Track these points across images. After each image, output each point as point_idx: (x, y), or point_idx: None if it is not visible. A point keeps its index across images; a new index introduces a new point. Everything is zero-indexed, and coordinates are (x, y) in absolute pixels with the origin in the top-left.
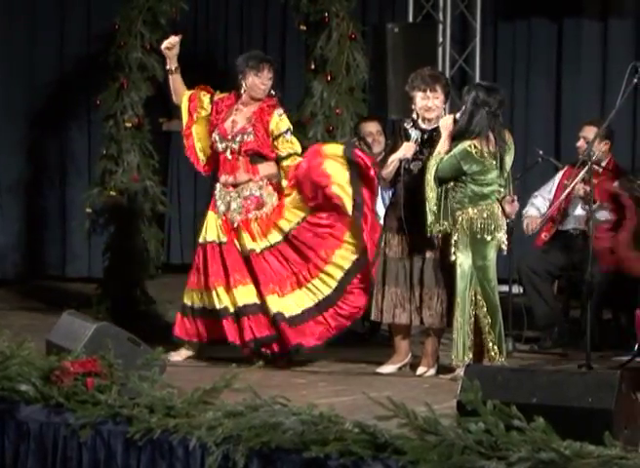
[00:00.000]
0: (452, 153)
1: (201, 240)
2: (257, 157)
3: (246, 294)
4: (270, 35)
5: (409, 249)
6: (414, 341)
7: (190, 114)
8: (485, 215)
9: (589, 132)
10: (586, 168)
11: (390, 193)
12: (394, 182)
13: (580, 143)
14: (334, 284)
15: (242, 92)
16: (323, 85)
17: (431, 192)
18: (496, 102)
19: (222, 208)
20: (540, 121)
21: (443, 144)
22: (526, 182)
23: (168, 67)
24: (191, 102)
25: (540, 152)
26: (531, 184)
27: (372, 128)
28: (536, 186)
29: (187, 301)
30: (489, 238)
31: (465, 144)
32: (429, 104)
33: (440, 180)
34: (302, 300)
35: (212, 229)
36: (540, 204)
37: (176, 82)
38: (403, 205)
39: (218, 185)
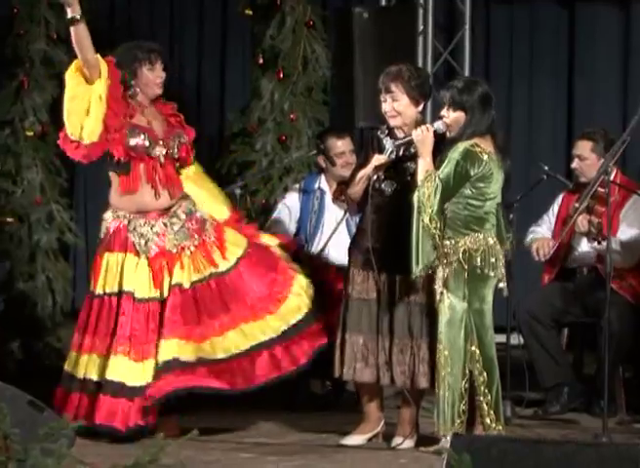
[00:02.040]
0: (449, 159)
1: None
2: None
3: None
4: (207, 21)
5: (377, 288)
6: (388, 405)
7: (116, 82)
8: (488, 244)
9: (584, 148)
10: (585, 197)
11: (357, 219)
12: (363, 205)
13: (576, 164)
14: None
15: (131, 92)
16: (274, 84)
17: (433, 226)
18: (493, 96)
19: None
20: (547, 130)
21: (424, 165)
22: (528, 206)
23: (70, 15)
24: (113, 73)
25: (546, 168)
26: (534, 208)
27: (344, 146)
28: (540, 211)
29: None
30: (492, 273)
31: (465, 145)
32: (386, 108)
33: (443, 202)
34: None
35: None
36: (543, 232)
37: (80, 34)
38: (371, 233)
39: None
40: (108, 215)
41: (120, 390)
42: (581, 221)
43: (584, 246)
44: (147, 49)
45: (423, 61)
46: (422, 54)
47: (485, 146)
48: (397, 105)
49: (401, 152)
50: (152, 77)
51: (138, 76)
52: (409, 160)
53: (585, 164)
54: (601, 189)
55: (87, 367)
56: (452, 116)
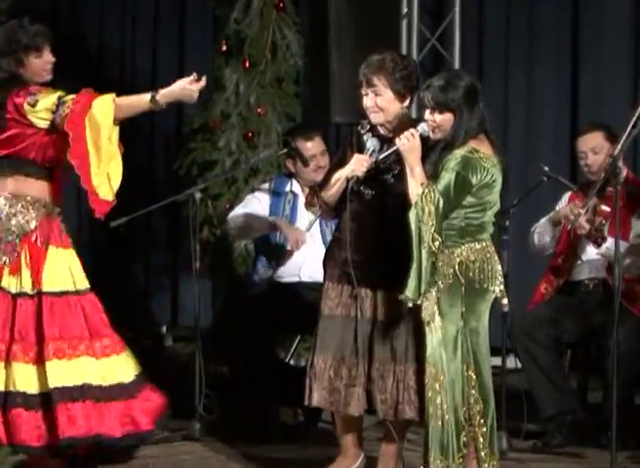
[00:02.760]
0: (446, 169)
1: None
2: None
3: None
4: (164, 3)
5: (355, 305)
6: (368, 437)
7: None
8: (485, 256)
9: (595, 139)
10: (591, 195)
11: (333, 225)
12: (339, 210)
13: (590, 160)
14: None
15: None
16: (239, 74)
17: (437, 246)
18: (480, 89)
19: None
20: (547, 127)
21: (416, 177)
22: (526, 211)
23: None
24: None
25: (546, 169)
26: (532, 214)
27: (314, 148)
28: (539, 216)
29: None
30: (491, 287)
31: (463, 151)
32: (368, 104)
33: (445, 218)
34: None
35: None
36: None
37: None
38: (349, 243)
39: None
40: None
41: None
42: (582, 221)
43: (591, 253)
44: (33, 33)
45: (408, 48)
46: (407, 39)
47: (484, 150)
48: (380, 101)
49: (386, 146)
50: (41, 64)
51: (24, 65)
52: (392, 160)
53: (600, 157)
54: (610, 188)
55: None
56: (438, 119)
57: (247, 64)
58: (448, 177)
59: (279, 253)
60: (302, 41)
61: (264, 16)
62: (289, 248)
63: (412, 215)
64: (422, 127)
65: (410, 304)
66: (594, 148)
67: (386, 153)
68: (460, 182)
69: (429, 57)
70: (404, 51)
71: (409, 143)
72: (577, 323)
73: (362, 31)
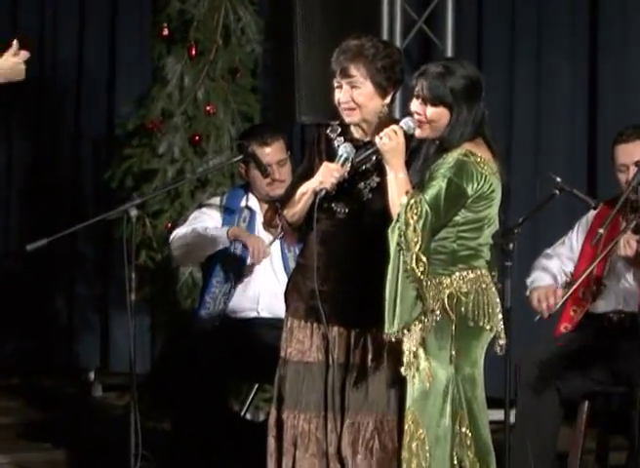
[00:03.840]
0: (439, 175)
1: None
2: None
3: None
4: None
5: (324, 346)
6: None
7: None
8: (481, 287)
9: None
10: (624, 211)
11: (296, 251)
12: (305, 232)
13: (633, 170)
14: None
15: None
16: (183, 64)
17: (420, 269)
18: (482, 83)
19: None
20: (560, 129)
21: (399, 184)
22: (534, 232)
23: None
24: None
25: (558, 180)
26: (542, 235)
27: (271, 156)
28: (550, 238)
29: None
30: (488, 326)
31: (456, 154)
32: (342, 99)
33: (433, 236)
34: None
35: None
36: (555, 268)
37: None
38: (317, 271)
39: None
40: None
41: None
42: (626, 243)
43: (622, 281)
44: None
45: (390, 33)
46: (389, 22)
47: (480, 153)
48: (357, 95)
49: (360, 165)
50: None
51: None
52: (370, 170)
53: None
54: None
55: None
56: (430, 113)
57: (193, 52)
58: (438, 186)
59: (239, 270)
60: (261, 24)
61: None
62: (249, 261)
63: (392, 231)
64: (407, 122)
65: (389, 338)
66: (639, 162)
67: (363, 155)
68: (454, 192)
69: (416, 43)
70: (385, 36)
71: (391, 142)
72: (596, 366)
73: (334, 12)
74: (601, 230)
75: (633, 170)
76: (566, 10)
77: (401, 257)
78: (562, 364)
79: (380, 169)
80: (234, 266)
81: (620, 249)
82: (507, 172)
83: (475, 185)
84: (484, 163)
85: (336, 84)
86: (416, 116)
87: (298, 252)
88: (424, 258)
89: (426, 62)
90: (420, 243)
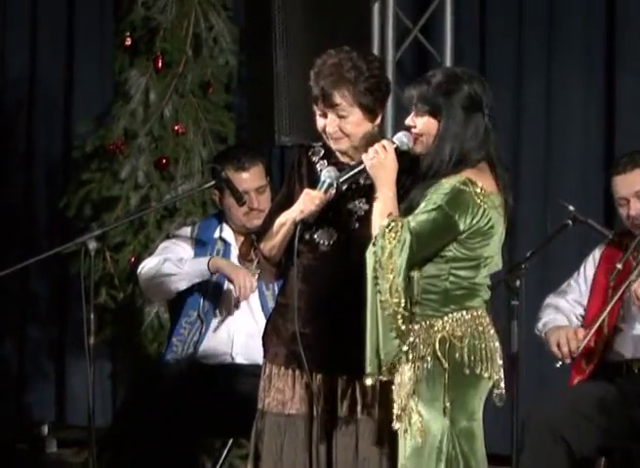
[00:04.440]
0: (431, 202)
1: None
2: None
3: None
4: None
5: (308, 397)
6: None
7: None
8: (478, 330)
9: None
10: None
11: (276, 289)
12: (285, 267)
13: (634, 209)
14: None
15: None
16: (148, 77)
17: (395, 300)
18: (489, 98)
19: None
20: (572, 151)
21: (384, 204)
22: (543, 267)
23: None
24: None
25: (571, 208)
26: (552, 271)
27: (251, 181)
28: (561, 275)
29: None
30: (485, 374)
31: (454, 181)
32: (327, 128)
33: (411, 267)
34: None
35: None
36: (567, 309)
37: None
38: (299, 311)
39: None
40: None
41: None
42: (636, 292)
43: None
44: None
45: (382, 43)
46: (380, 30)
47: (482, 183)
48: (345, 124)
49: (345, 186)
50: None
51: None
52: (357, 196)
53: None
54: None
55: None
56: (418, 124)
57: (160, 64)
58: (426, 212)
59: (212, 308)
60: (236, 32)
61: None
62: (236, 294)
63: (369, 256)
64: (400, 137)
65: (369, 382)
66: (639, 193)
67: (348, 175)
68: (442, 222)
69: (410, 54)
70: (376, 46)
71: (378, 157)
72: (614, 419)
73: (319, 20)
74: (619, 265)
75: (635, 202)
76: (580, 20)
77: (376, 288)
78: (574, 416)
79: (368, 194)
80: (208, 304)
81: (632, 298)
82: (514, 198)
83: (469, 220)
84: (484, 195)
85: (319, 112)
86: (413, 130)
87: (277, 289)
88: (401, 290)
89: (420, 73)
90: (396, 271)
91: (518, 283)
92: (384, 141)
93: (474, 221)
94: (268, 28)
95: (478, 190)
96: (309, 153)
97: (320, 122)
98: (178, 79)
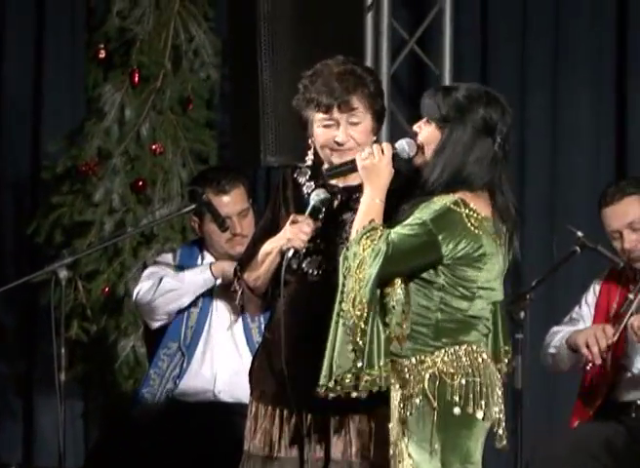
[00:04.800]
0: (417, 217)
1: None
2: None
3: None
4: None
5: (298, 439)
6: None
7: None
8: (473, 366)
9: (635, 209)
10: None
11: (262, 322)
12: (271, 299)
13: (632, 240)
14: None
15: None
16: (124, 93)
17: (357, 313)
18: (506, 126)
19: None
20: (580, 171)
21: (367, 208)
22: (549, 298)
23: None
24: None
25: (579, 234)
26: (559, 302)
27: (234, 205)
28: (567, 304)
29: None
30: (479, 414)
31: (446, 200)
32: (339, 137)
33: (382, 280)
34: None
35: None
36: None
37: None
38: (286, 346)
39: None
40: None
41: None
42: (637, 325)
43: None
44: None
45: (375, 55)
46: (373, 42)
47: (476, 206)
48: (358, 133)
49: (338, 200)
50: None
51: None
52: (349, 222)
53: None
54: None
55: None
56: (425, 134)
57: (136, 79)
58: (409, 226)
59: (195, 339)
60: (218, 44)
61: (162, 8)
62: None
63: (341, 261)
64: (402, 144)
65: (321, 393)
66: (633, 224)
67: (336, 169)
68: (424, 241)
69: (406, 68)
70: (369, 58)
71: (374, 160)
72: (622, 459)
73: (308, 31)
74: (631, 295)
75: (628, 234)
76: (588, 29)
77: (341, 296)
78: (580, 456)
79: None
80: (190, 335)
81: (630, 333)
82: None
83: (455, 244)
84: (477, 219)
85: (327, 122)
86: (418, 139)
87: (263, 323)
88: (365, 303)
89: (419, 90)
90: (363, 282)
91: (522, 314)
92: (384, 144)
93: (461, 246)
94: (253, 40)
95: (470, 212)
96: (295, 174)
97: (327, 133)
98: (155, 94)
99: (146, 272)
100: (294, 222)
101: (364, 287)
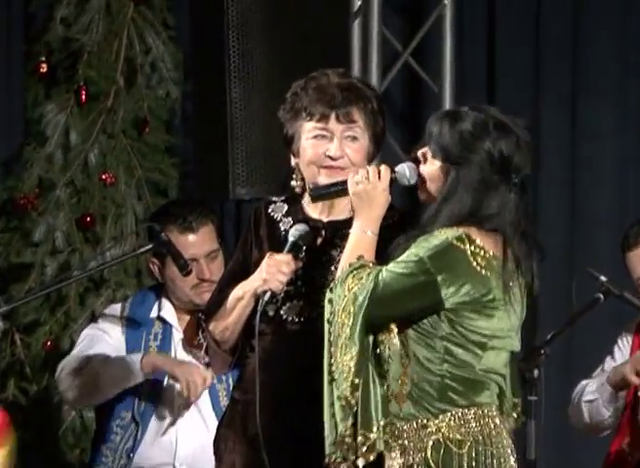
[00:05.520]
0: (413, 253)
1: None
2: None
3: None
4: None
5: None
6: None
7: None
8: (484, 432)
9: None
10: None
11: (232, 379)
12: (242, 354)
13: None
14: None
15: None
16: (69, 114)
17: (346, 364)
18: (522, 160)
19: None
20: (605, 205)
21: (356, 240)
22: (569, 352)
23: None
24: None
25: (603, 279)
26: (581, 356)
27: (200, 245)
28: (588, 361)
29: None
30: None
31: (448, 234)
32: (332, 151)
33: (373, 325)
34: None
35: None
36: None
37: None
38: (261, 407)
39: None
40: None
41: None
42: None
43: None
44: None
45: (363, 69)
46: (361, 54)
47: (483, 242)
48: (355, 151)
49: (322, 237)
50: None
51: None
52: (334, 261)
53: None
54: None
55: None
56: (428, 170)
57: (83, 97)
58: (404, 263)
59: (152, 406)
60: (180, 56)
61: (114, 13)
62: (185, 395)
63: (326, 305)
64: (402, 168)
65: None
66: None
67: (325, 190)
68: (420, 281)
69: (400, 83)
70: (356, 72)
71: (367, 186)
72: None
73: (285, 42)
74: None
75: None
76: (611, 40)
77: (329, 346)
78: None
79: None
80: (145, 402)
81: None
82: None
83: (457, 286)
84: (484, 258)
85: (317, 132)
86: (420, 170)
87: (232, 382)
88: (355, 350)
89: (414, 110)
90: (350, 327)
91: (536, 373)
92: (383, 166)
93: (464, 289)
94: (220, 51)
95: (476, 250)
96: (269, 209)
97: (317, 146)
98: (106, 115)
99: (83, 334)
100: (272, 262)
101: (352, 334)
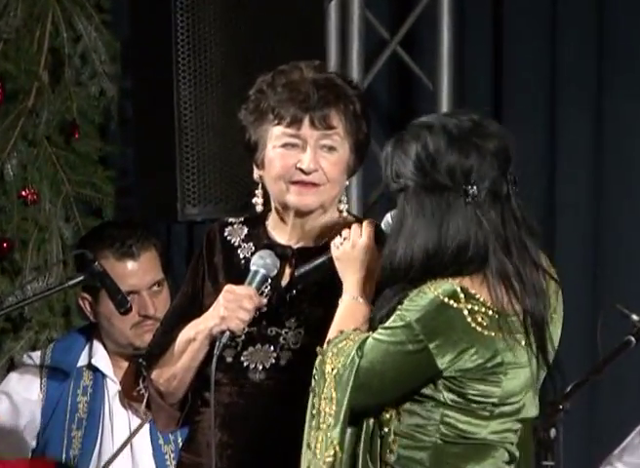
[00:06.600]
0: (397, 316)
1: None
2: None
3: None
4: None
5: None
6: None
7: None
8: None
9: None
10: None
11: (180, 438)
12: (193, 408)
13: None
14: None
15: None
16: None
17: (327, 457)
18: (492, 170)
19: None
20: (633, 221)
21: (346, 313)
22: (592, 407)
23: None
24: None
25: (635, 318)
26: (604, 413)
27: (142, 275)
28: (614, 420)
29: None
30: None
31: (438, 290)
32: (304, 163)
33: (363, 406)
34: None
35: None
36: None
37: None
38: None
39: None
40: None
41: None
42: None
43: None
44: None
45: (342, 60)
46: (339, 42)
47: (484, 295)
48: (332, 163)
49: (291, 267)
50: None
51: None
52: (308, 295)
53: None
54: None
55: None
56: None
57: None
58: (391, 330)
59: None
60: (117, 46)
61: None
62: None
63: (314, 370)
64: (387, 220)
65: None
66: None
67: (307, 267)
68: (410, 350)
69: (387, 76)
70: (332, 64)
71: (347, 248)
72: None
73: (245, 26)
74: None
75: None
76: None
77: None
78: None
79: (324, 292)
80: (74, 464)
81: None
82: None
83: (452, 355)
84: (486, 315)
85: (287, 140)
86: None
87: (180, 441)
88: (336, 442)
89: (404, 109)
90: (333, 418)
91: (553, 433)
92: (365, 223)
93: (465, 356)
94: (167, 40)
95: (475, 307)
96: (225, 233)
97: (287, 157)
98: (26, 118)
99: (5, 381)
100: (231, 296)
101: (334, 425)
